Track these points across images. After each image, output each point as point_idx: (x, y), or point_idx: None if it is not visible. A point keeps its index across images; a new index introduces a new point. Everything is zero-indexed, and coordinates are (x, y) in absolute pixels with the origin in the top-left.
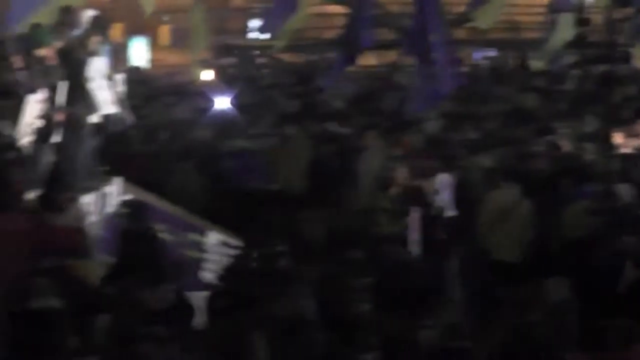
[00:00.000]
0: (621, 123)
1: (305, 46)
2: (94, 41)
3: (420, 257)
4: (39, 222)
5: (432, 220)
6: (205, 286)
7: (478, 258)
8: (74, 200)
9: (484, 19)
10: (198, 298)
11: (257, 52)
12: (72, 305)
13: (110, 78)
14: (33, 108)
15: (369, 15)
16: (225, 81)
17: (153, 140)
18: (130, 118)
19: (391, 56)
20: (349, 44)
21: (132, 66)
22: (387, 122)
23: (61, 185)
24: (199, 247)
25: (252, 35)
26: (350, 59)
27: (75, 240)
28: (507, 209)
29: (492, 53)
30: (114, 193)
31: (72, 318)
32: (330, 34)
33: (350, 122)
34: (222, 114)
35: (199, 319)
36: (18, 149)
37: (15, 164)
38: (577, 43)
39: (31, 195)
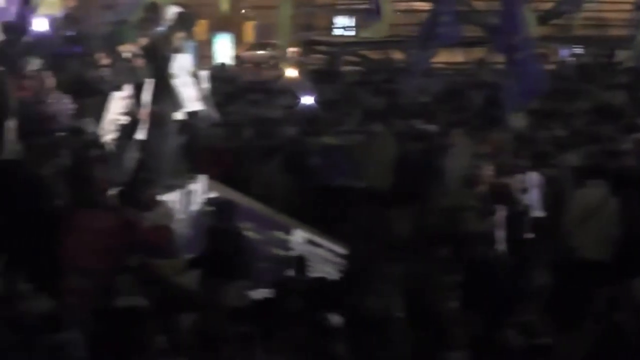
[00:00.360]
0: None
1: (392, 42)
2: (179, 38)
3: (506, 255)
4: (124, 220)
5: (518, 218)
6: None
7: (565, 256)
8: (158, 197)
9: None
10: None
11: (343, 48)
12: (157, 304)
13: (194, 75)
14: (117, 105)
15: (453, 11)
16: (311, 78)
17: (238, 137)
18: (215, 115)
19: (477, 53)
20: (428, 40)
21: (217, 63)
22: (473, 119)
23: (145, 183)
24: (285, 245)
25: (338, 31)
26: (427, 56)
27: (160, 238)
28: (594, 207)
29: (578, 50)
30: (199, 191)
31: (157, 317)
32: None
33: (436, 120)
34: (308, 111)
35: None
36: (101, 146)
37: (98, 161)
38: None
39: (114, 192)
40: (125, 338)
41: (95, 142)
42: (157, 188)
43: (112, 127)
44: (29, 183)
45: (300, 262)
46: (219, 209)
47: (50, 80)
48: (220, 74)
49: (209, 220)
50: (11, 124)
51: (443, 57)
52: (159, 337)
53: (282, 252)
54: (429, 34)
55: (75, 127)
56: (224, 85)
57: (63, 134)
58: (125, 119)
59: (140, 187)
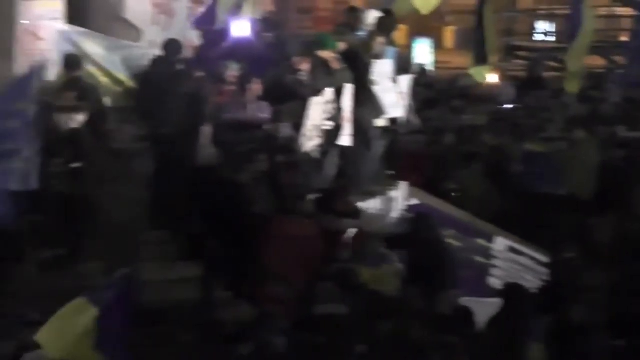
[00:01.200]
0: None
1: (594, 49)
2: (379, 43)
3: None
4: (323, 227)
5: None
6: (492, 293)
7: None
8: (357, 205)
9: None
10: (484, 305)
11: (544, 54)
12: (358, 312)
13: (395, 81)
14: (317, 110)
15: None
16: (512, 84)
17: (439, 144)
18: (416, 121)
19: None
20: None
21: (418, 68)
22: None
23: (346, 190)
24: (486, 253)
25: (539, 37)
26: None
27: (360, 246)
28: None
29: None
30: (400, 198)
31: (357, 325)
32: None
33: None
34: (510, 117)
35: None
36: (298, 152)
37: (294, 167)
38: None
39: (314, 199)
40: (325, 346)
41: (291, 147)
42: (357, 195)
43: (313, 133)
44: (226, 189)
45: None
46: (419, 216)
47: (256, 87)
48: (420, 80)
49: (410, 228)
50: (207, 130)
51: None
52: (359, 345)
53: (483, 260)
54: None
55: (272, 133)
56: (424, 91)
57: (260, 139)
58: (326, 125)
59: (340, 194)
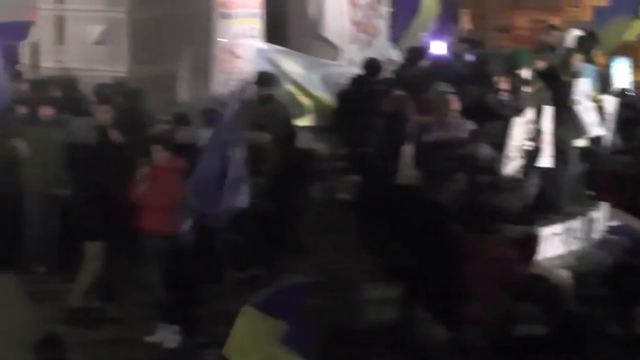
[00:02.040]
0: None
1: None
2: (577, 60)
3: None
4: (523, 248)
5: None
6: None
7: None
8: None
9: None
10: None
11: None
12: (559, 333)
13: (595, 100)
14: (519, 131)
15: None
16: None
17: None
18: (617, 141)
19: None
20: None
21: (618, 88)
22: None
23: (546, 210)
24: None
25: None
26: None
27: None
28: None
29: None
30: (601, 218)
31: (558, 347)
32: None
33: None
34: None
35: None
36: (497, 172)
37: (493, 187)
38: None
39: (516, 219)
40: None
41: (491, 167)
42: (559, 215)
43: (517, 154)
44: (425, 209)
45: None
46: (626, 239)
47: (455, 104)
48: (620, 99)
49: (612, 250)
50: (408, 149)
51: None
52: None
53: None
54: None
55: (472, 152)
56: (624, 110)
57: (460, 159)
58: (528, 145)
59: (541, 215)
